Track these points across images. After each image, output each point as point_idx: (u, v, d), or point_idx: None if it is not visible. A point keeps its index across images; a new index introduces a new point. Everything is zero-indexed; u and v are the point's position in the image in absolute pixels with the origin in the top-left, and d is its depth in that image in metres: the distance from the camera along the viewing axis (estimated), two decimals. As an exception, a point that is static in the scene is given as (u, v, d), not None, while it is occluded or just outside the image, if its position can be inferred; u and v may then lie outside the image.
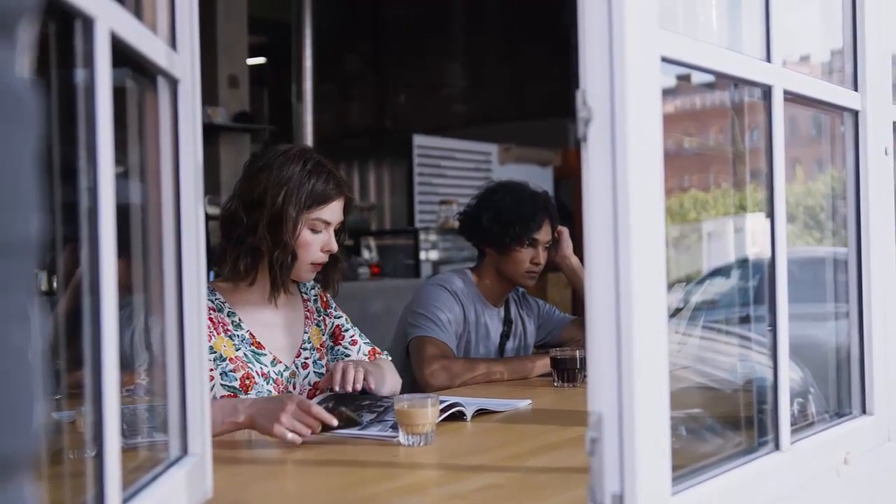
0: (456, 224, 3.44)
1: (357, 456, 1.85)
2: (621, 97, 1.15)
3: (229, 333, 2.26)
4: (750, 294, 1.91)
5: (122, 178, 1.09)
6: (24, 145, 0.55)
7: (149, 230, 1.37)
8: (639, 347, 1.15)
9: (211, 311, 2.23)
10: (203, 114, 1.41)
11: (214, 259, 2.33)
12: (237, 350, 2.25)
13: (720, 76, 1.52)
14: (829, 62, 2.08)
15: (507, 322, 3.14)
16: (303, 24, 7.67)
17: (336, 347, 2.47)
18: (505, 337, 3.12)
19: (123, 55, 1.12)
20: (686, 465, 1.32)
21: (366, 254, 7.41)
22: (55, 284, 1.37)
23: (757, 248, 1.86)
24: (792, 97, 1.58)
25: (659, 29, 1.22)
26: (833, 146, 1.97)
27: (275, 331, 2.35)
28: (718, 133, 2.08)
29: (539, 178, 6.66)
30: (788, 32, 1.59)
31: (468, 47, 9.79)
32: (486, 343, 3.06)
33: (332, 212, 2.30)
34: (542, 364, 2.85)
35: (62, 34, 0.98)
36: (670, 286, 1.26)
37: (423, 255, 7.39)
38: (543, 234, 3.00)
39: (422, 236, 7.45)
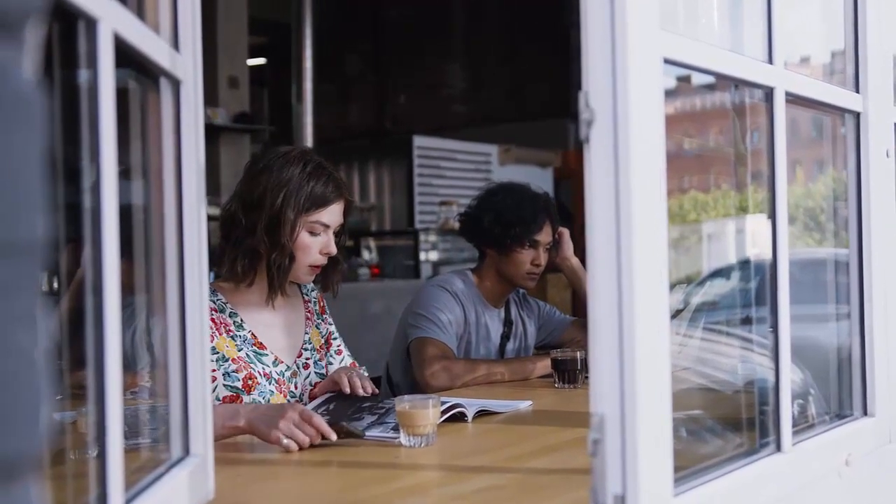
0: (456, 225, 3.44)
1: (358, 457, 1.85)
2: (623, 98, 1.15)
3: (231, 334, 2.26)
4: (750, 295, 1.92)
5: (124, 178, 1.09)
6: (31, 146, 0.55)
7: (151, 231, 1.37)
8: (641, 348, 1.15)
9: (213, 312, 2.23)
10: (203, 114, 1.41)
11: (214, 260, 2.33)
12: (239, 350, 2.25)
13: (722, 78, 1.52)
14: (830, 63, 2.08)
15: (508, 323, 3.14)
16: (303, 24, 7.67)
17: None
18: (505, 338, 3.12)
19: (126, 56, 1.12)
20: (688, 467, 1.32)
21: (366, 255, 7.41)
22: (55, 284, 1.37)
23: (757, 250, 1.87)
24: (793, 99, 1.58)
25: (661, 30, 1.22)
26: (833, 148, 1.97)
27: (276, 331, 2.35)
28: (718, 134, 2.08)
29: (539, 179, 6.66)
30: (789, 33, 1.59)
31: (468, 48, 9.79)
32: (486, 344, 3.06)
33: (332, 215, 2.29)
34: (543, 365, 2.85)
35: (65, 35, 0.98)
36: (671, 287, 1.26)
37: (423, 256, 7.39)
38: (544, 236, 3.00)
39: (422, 237, 7.45)
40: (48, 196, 0.59)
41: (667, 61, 1.23)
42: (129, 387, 1.34)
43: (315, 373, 2.40)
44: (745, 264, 2.05)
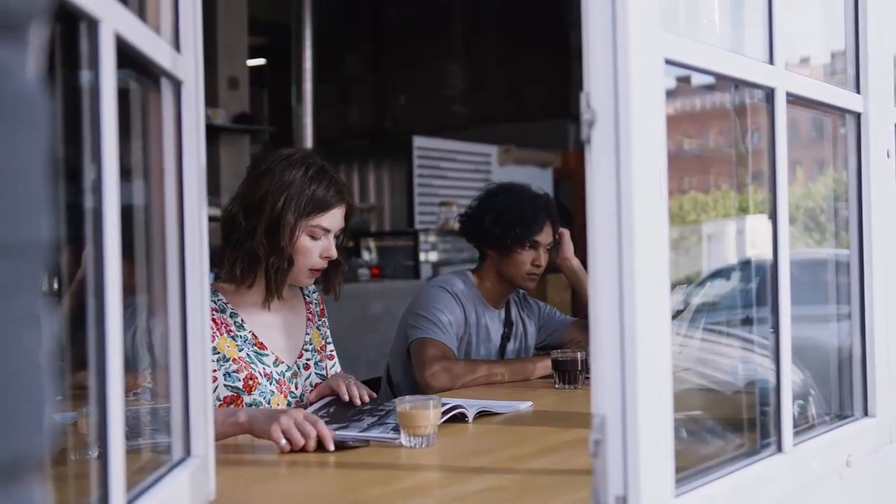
0: (456, 225, 3.43)
1: (359, 457, 1.85)
2: (625, 99, 1.15)
3: (232, 334, 2.26)
4: (750, 296, 1.92)
5: (125, 178, 1.09)
6: (34, 147, 0.55)
7: (152, 231, 1.37)
8: (642, 349, 1.15)
9: (214, 312, 2.23)
10: (204, 115, 1.42)
11: (215, 260, 2.32)
12: (240, 351, 2.25)
13: (723, 78, 1.52)
14: (829, 64, 2.09)
15: (508, 324, 3.14)
16: (302, 25, 7.67)
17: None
18: (506, 338, 3.12)
19: (127, 56, 1.12)
20: (689, 467, 1.32)
21: (365, 255, 7.41)
22: (56, 285, 1.37)
23: (757, 250, 1.87)
24: (794, 99, 1.58)
25: (662, 31, 1.22)
26: (833, 148, 1.97)
27: (277, 331, 2.35)
28: (718, 135, 2.08)
29: (538, 180, 6.66)
30: (789, 34, 1.59)
31: (468, 48, 9.79)
32: (486, 345, 3.06)
33: (333, 219, 2.29)
34: (543, 366, 2.85)
35: (67, 35, 0.98)
36: (671, 288, 1.26)
37: (422, 257, 7.39)
38: (544, 236, 3.00)
39: (421, 238, 7.45)
40: (51, 197, 0.59)
41: (668, 62, 1.24)
42: (131, 388, 1.34)
43: (315, 373, 2.40)
44: (745, 265, 2.05)
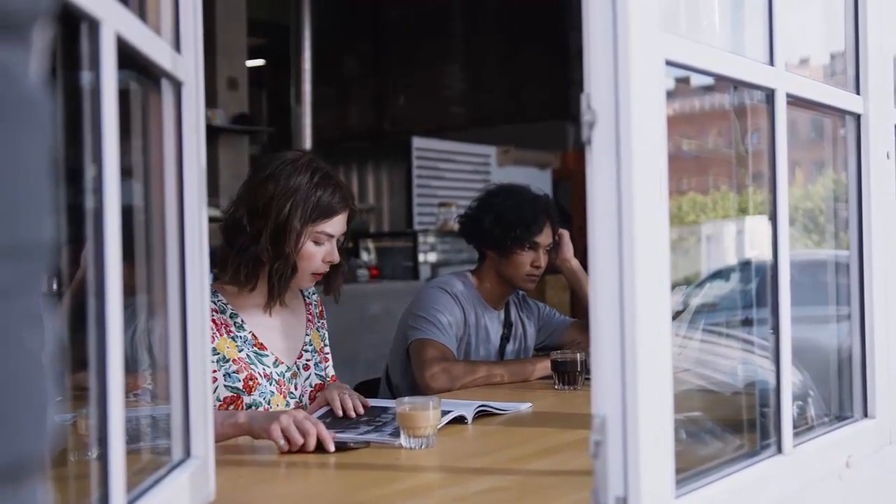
0: (456, 226, 3.43)
1: (359, 459, 1.85)
2: (626, 100, 1.15)
3: (232, 335, 2.26)
4: (749, 297, 1.92)
5: (125, 179, 1.09)
6: (37, 148, 0.55)
7: (152, 232, 1.37)
8: (642, 350, 1.15)
9: (214, 313, 2.23)
10: (204, 116, 1.42)
11: (215, 262, 2.32)
12: (240, 351, 2.25)
13: (723, 79, 1.52)
14: (829, 64, 2.09)
15: (508, 325, 3.14)
16: (302, 26, 7.67)
17: None
18: (505, 339, 3.12)
19: (128, 57, 1.12)
20: (689, 468, 1.32)
21: (364, 256, 7.41)
22: (55, 286, 1.37)
23: (756, 251, 1.87)
24: (794, 100, 1.59)
25: (662, 32, 1.22)
26: (832, 149, 1.97)
27: (277, 332, 2.35)
28: (717, 136, 2.08)
29: (537, 181, 6.66)
30: (789, 35, 1.59)
31: (467, 49, 9.80)
32: (486, 346, 3.06)
33: (337, 225, 2.29)
34: (543, 367, 2.85)
35: (68, 36, 0.98)
36: (671, 289, 1.26)
37: (421, 258, 7.39)
38: (544, 237, 3.00)
39: (420, 238, 7.44)
40: (53, 198, 0.59)
41: (668, 63, 1.24)
42: (131, 389, 1.34)
43: (315, 374, 2.40)
44: (744, 266, 2.05)
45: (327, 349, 2.50)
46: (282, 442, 1.86)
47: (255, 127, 8.02)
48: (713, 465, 1.41)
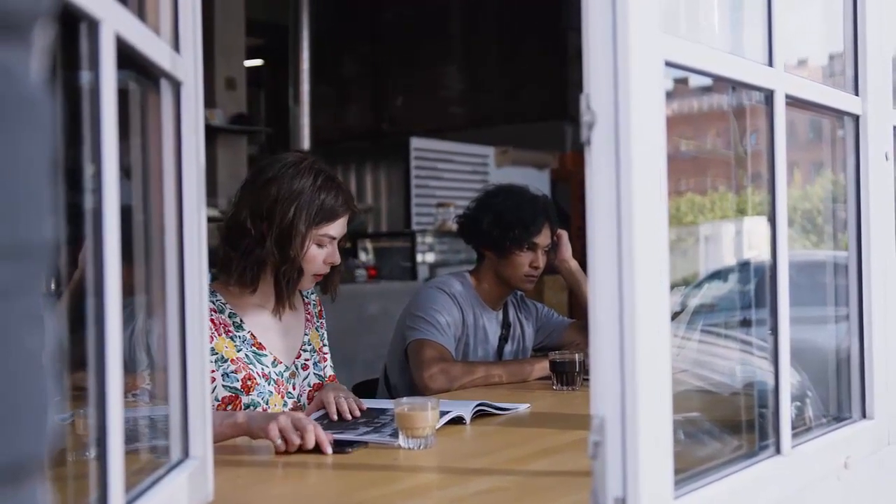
0: (454, 227, 3.43)
1: (357, 459, 1.85)
2: (625, 101, 1.15)
3: (230, 335, 2.25)
4: (748, 297, 1.92)
5: (124, 179, 1.09)
6: (38, 149, 0.55)
7: (151, 232, 1.37)
8: (642, 351, 1.15)
9: (212, 313, 2.23)
10: (203, 116, 1.42)
11: (214, 262, 2.32)
12: (238, 351, 2.25)
13: (723, 80, 1.52)
14: (827, 65, 2.09)
15: (506, 325, 3.14)
16: (300, 26, 7.67)
17: None
18: (503, 340, 3.12)
19: (127, 57, 1.12)
20: (688, 469, 1.32)
21: (363, 256, 7.40)
22: (52, 286, 1.36)
23: (755, 252, 1.87)
24: (793, 101, 1.59)
25: (662, 33, 1.22)
26: (831, 149, 1.97)
27: (276, 332, 2.35)
28: (715, 136, 2.08)
29: (536, 181, 6.65)
30: (788, 36, 1.59)
31: (466, 50, 9.79)
32: (484, 346, 3.06)
33: (339, 227, 2.30)
34: (541, 367, 2.85)
35: (67, 36, 0.98)
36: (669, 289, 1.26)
37: (419, 258, 7.38)
38: (543, 238, 3.00)
39: (419, 239, 7.44)
40: (54, 198, 0.59)
41: (668, 64, 1.24)
42: (129, 389, 1.34)
43: (314, 374, 2.40)
44: (742, 266, 2.05)
45: (326, 349, 2.50)
46: (279, 441, 1.85)
47: (254, 127, 8.02)
48: (712, 465, 1.41)
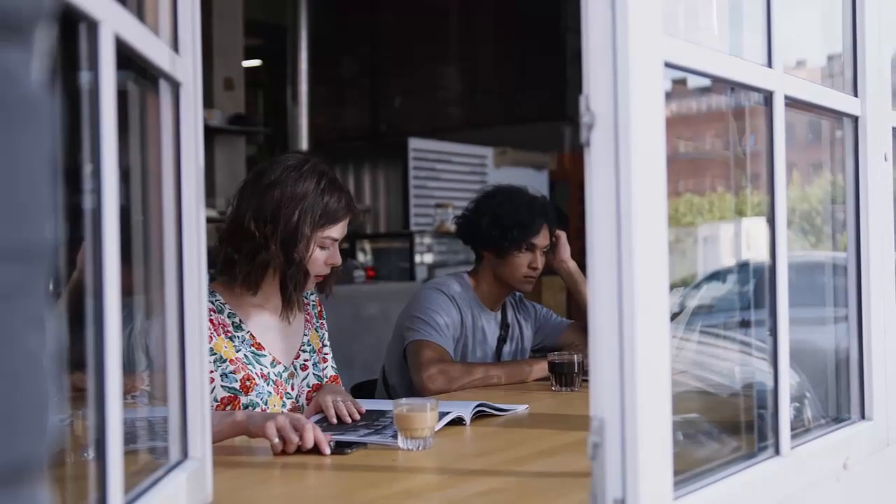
0: (452, 227, 3.43)
1: (356, 460, 1.85)
2: (625, 102, 1.15)
3: (230, 335, 2.25)
4: (746, 298, 1.92)
5: (123, 180, 1.09)
6: (39, 150, 0.55)
7: (149, 232, 1.37)
8: (641, 352, 1.15)
9: (211, 313, 2.23)
10: (202, 117, 1.41)
11: (213, 263, 2.32)
12: (237, 351, 2.24)
13: (722, 81, 1.52)
14: (826, 66, 2.09)
15: (504, 326, 3.13)
16: (299, 26, 7.67)
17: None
18: (502, 341, 3.12)
19: (126, 58, 1.11)
20: (687, 470, 1.32)
21: (361, 257, 7.40)
22: (51, 286, 1.36)
23: (753, 253, 1.87)
24: (792, 102, 1.59)
25: (662, 34, 1.22)
26: (830, 150, 1.98)
27: (275, 332, 2.35)
28: (714, 137, 2.08)
29: (534, 182, 6.65)
30: (787, 37, 1.59)
31: (464, 51, 9.79)
32: (483, 347, 3.06)
33: (342, 229, 2.31)
34: (540, 368, 2.85)
35: (66, 37, 0.97)
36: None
37: (418, 259, 7.37)
38: (542, 239, 3.00)
39: (417, 239, 7.43)
40: (55, 199, 0.59)
41: (668, 65, 1.24)
42: (128, 390, 1.34)
43: (314, 374, 2.40)
44: (741, 267, 2.05)
45: (327, 349, 2.50)
46: (276, 440, 1.85)
47: (252, 127, 8.01)
48: (711, 466, 1.41)
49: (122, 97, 1.18)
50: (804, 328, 1.80)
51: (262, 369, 2.27)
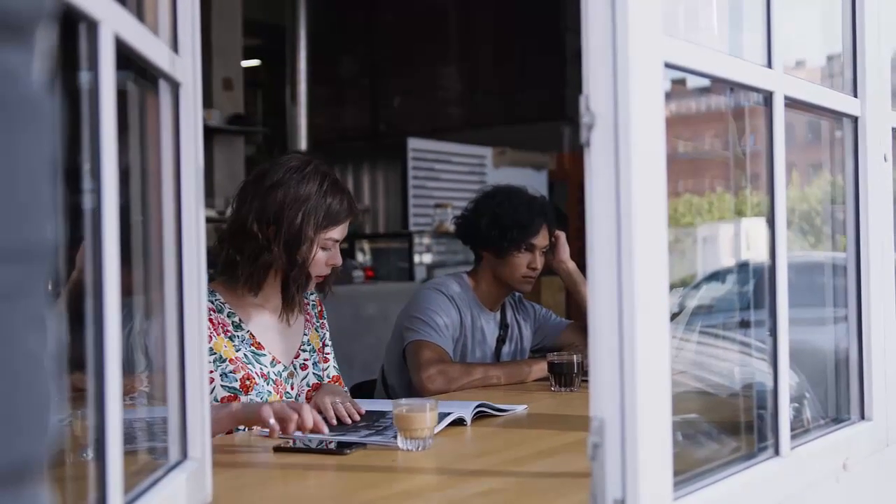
0: (451, 228, 3.43)
1: (356, 461, 1.85)
2: (625, 102, 1.15)
3: (229, 334, 2.25)
4: (746, 299, 1.92)
5: (122, 180, 1.08)
6: (40, 150, 0.55)
7: (149, 233, 1.36)
8: (641, 352, 1.15)
9: (211, 312, 2.23)
10: (202, 117, 1.41)
11: (218, 265, 2.33)
12: (237, 351, 2.24)
13: (722, 82, 1.52)
14: (825, 66, 2.09)
15: (504, 326, 3.13)
16: (298, 26, 7.67)
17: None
18: (501, 341, 3.12)
19: (126, 58, 1.11)
20: (687, 471, 1.32)
21: (360, 257, 7.40)
22: (49, 287, 1.36)
23: (752, 253, 1.87)
24: (792, 103, 1.59)
25: (662, 35, 1.22)
26: (829, 150, 1.98)
27: (275, 331, 2.35)
28: (713, 137, 2.08)
29: (533, 182, 6.65)
30: (787, 37, 1.59)
31: (463, 51, 9.79)
32: (482, 347, 3.06)
33: (343, 231, 2.33)
34: (539, 368, 2.85)
35: (66, 37, 0.97)
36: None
37: (417, 259, 7.38)
38: (541, 239, 3.00)
39: (416, 240, 7.43)
40: (56, 200, 0.59)
41: (668, 65, 1.23)
42: (127, 392, 1.34)
43: (314, 374, 2.40)
44: (740, 268, 2.05)
45: (328, 349, 2.50)
46: (272, 421, 1.85)
47: (251, 127, 8.01)
48: (711, 467, 1.41)
49: (122, 97, 1.18)
50: (804, 328, 1.80)
51: (261, 369, 2.27)
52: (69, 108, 1.00)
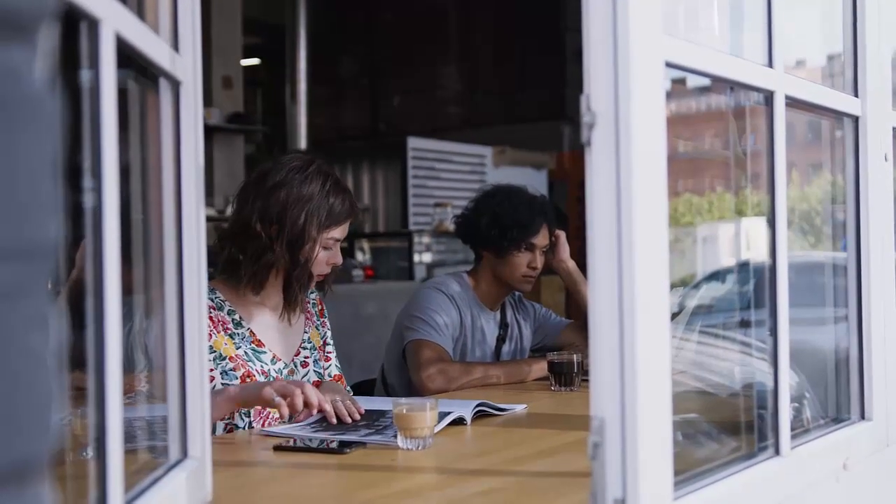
0: (451, 227, 3.43)
1: (356, 460, 1.85)
2: (626, 101, 1.15)
3: (229, 332, 2.26)
4: (746, 299, 1.92)
5: (123, 178, 1.08)
6: (43, 149, 0.55)
7: (149, 231, 1.36)
8: (642, 352, 1.15)
9: (211, 310, 2.23)
10: (202, 115, 1.41)
11: (219, 265, 2.33)
12: (237, 349, 2.25)
13: (723, 81, 1.52)
14: (825, 66, 2.09)
15: (504, 326, 3.13)
16: (297, 25, 7.66)
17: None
18: (501, 341, 3.12)
19: (127, 56, 1.11)
20: (687, 470, 1.32)
21: (360, 256, 7.40)
22: (50, 285, 1.36)
23: (753, 253, 1.87)
24: (793, 102, 1.59)
25: (663, 34, 1.22)
26: (830, 150, 1.98)
27: (275, 329, 2.36)
28: (714, 137, 2.08)
29: (533, 181, 6.64)
30: (788, 37, 1.59)
31: (463, 50, 9.79)
32: (482, 347, 3.05)
33: (344, 230, 2.34)
34: (539, 368, 2.85)
35: (67, 35, 0.97)
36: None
37: (416, 258, 7.38)
38: (541, 239, 3.00)
39: (416, 239, 7.44)
40: (57, 198, 0.59)
41: (668, 64, 1.23)
42: (127, 391, 1.34)
43: (314, 371, 2.40)
44: (740, 267, 2.05)
45: (330, 348, 2.50)
46: (276, 399, 1.85)
47: (251, 126, 8.01)
48: (711, 467, 1.41)
49: (123, 96, 1.18)
50: (804, 328, 1.80)
51: (262, 366, 2.27)
52: (70, 106, 1.00)
